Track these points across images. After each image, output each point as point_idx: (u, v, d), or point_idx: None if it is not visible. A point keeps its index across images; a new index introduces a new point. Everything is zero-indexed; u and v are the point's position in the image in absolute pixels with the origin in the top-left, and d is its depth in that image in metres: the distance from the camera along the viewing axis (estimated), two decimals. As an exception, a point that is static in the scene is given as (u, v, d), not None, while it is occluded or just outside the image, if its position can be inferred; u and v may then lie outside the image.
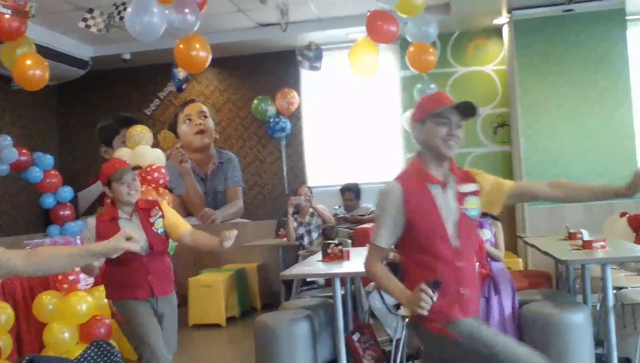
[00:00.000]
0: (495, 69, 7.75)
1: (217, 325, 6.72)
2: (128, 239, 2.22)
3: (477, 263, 4.12)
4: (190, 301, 6.84)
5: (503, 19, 7.29)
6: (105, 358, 0.74)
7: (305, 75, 7.92)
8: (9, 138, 6.36)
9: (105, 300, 5.05)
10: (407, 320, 4.02)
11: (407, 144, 7.83)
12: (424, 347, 2.49)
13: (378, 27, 5.61)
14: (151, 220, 3.66)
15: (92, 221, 3.62)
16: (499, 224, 4.48)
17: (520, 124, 7.02)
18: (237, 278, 7.22)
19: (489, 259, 4.28)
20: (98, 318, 4.94)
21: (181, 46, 5.10)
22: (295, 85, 8.07)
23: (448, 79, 7.79)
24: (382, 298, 4.41)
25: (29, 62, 5.17)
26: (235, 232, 3.38)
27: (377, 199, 2.44)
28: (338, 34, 7.53)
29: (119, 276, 3.56)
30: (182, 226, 3.81)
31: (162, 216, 3.70)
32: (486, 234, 4.35)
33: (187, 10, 4.84)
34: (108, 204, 3.69)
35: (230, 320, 6.90)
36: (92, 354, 0.72)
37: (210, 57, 5.23)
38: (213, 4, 5.13)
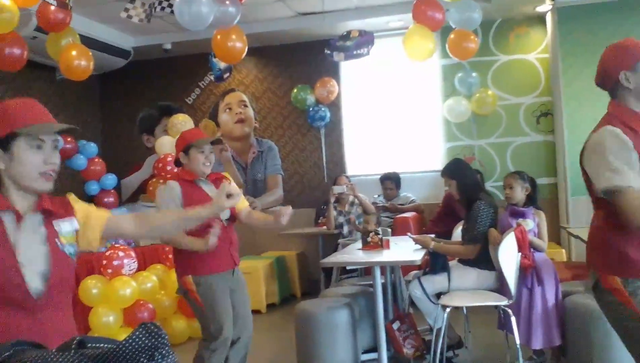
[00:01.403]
0: (538, 57, 7.62)
1: (258, 312, 6.78)
2: (228, 196, 2.20)
3: (520, 254, 4.10)
4: (230, 288, 6.92)
5: (546, 6, 7.15)
6: (153, 340, 0.76)
7: (345, 63, 7.88)
8: (55, 127, 6.49)
9: (150, 285, 5.17)
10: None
11: (448, 133, 7.77)
12: None
13: (424, 14, 5.55)
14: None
15: (175, 185, 3.58)
16: (543, 214, 4.42)
17: (563, 113, 6.90)
18: (277, 266, 7.27)
19: (532, 249, 4.23)
20: (141, 302, 5.05)
21: (218, 36, 5.14)
22: (334, 74, 8.06)
23: (490, 68, 7.68)
24: (422, 287, 4.40)
25: (74, 52, 5.28)
26: (290, 209, 3.34)
27: None
28: (377, 22, 7.48)
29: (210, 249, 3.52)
30: (242, 202, 3.82)
31: None
32: (529, 224, 4.30)
33: (227, 2, 4.87)
34: (178, 172, 3.70)
35: (270, 306, 6.97)
36: (140, 335, 0.74)
37: (246, 47, 5.25)
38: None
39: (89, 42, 5.96)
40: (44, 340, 1.69)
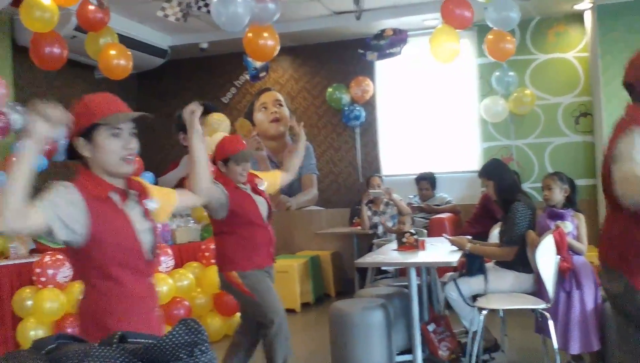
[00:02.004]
0: (577, 56, 7.49)
1: (292, 311, 6.80)
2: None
3: (559, 257, 4.02)
4: (264, 287, 6.94)
5: (585, 4, 7.02)
6: (193, 336, 0.77)
7: (380, 62, 7.85)
8: (94, 125, 6.59)
9: (186, 282, 5.22)
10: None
11: (484, 133, 7.68)
12: None
13: (452, 12, 5.51)
14: (261, 188, 3.90)
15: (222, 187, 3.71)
16: (582, 216, 4.34)
17: (603, 113, 6.77)
18: (312, 265, 7.28)
19: (570, 252, 4.16)
20: (178, 300, 5.10)
21: (250, 34, 5.15)
22: (370, 73, 8.03)
23: (528, 67, 7.58)
24: (458, 289, 4.35)
25: (113, 52, 5.35)
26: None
27: None
28: (413, 21, 7.43)
29: (247, 246, 3.75)
30: (273, 176, 4.13)
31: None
32: (568, 226, 4.22)
33: None
34: (220, 175, 3.79)
35: (304, 305, 6.97)
36: (180, 331, 0.75)
37: (278, 46, 5.25)
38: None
39: (126, 41, 6.04)
40: (150, 300, 2.24)
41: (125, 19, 7.06)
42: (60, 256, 4.82)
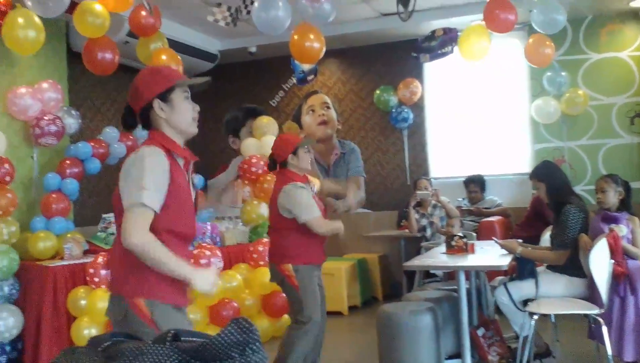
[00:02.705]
0: (631, 55, 7.29)
1: (339, 313, 6.80)
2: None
3: (612, 261, 3.92)
4: (312, 289, 6.96)
5: (640, 1, 6.84)
6: (245, 335, 0.77)
7: (429, 64, 7.78)
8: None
9: (235, 284, 5.27)
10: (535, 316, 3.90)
11: (536, 134, 7.55)
12: None
13: (495, 15, 5.43)
14: (314, 189, 4.19)
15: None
16: (637, 220, 4.22)
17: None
18: (359, 268, 7.27)
19: (625, 256, 4.05)
20: (226, 301, 5.15)
21: (295, 37, 5.17)
22: (418, 74, 7.98)
23: (580, 66, 7.42)
24: (508, 293, 4.28)
25: (164, 57, 5.43)
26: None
27: None
28: (461, 22, 7.33)
29: (305, 242, 3.94)
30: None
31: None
32: (622, 230, 4.12)
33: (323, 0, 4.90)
34: (289, 176, 3.97)
35: (352, 308, 6.96)
36: (232, 330, 0.76)
37: (324, 48, 5.26)
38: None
39: (177, 46, 6.14)
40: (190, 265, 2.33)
41: (176, 24, 7.18)
42: (113, 257, 4.92)
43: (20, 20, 4.60)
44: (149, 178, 2.19)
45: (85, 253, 5.60)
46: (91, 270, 4.83)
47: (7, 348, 4.56)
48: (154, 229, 2.21)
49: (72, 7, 4.92)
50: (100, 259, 4.88)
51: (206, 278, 2.29)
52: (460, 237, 4.61)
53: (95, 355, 0.87)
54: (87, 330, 4.71)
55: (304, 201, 3.89)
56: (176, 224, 2.30)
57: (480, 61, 5.95)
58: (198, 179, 7.31)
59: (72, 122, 5.96)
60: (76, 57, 6.42)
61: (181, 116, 2.36)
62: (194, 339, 0.90)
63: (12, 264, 4.56)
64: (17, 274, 5.05)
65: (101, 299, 4.72)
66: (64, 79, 6.37)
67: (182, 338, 0.90)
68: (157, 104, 2.33)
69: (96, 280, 4.78)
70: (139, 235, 2.15)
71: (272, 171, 4.30)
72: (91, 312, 4.74)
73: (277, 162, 4.08)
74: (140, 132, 6.58)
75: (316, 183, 4.34)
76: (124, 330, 2.14)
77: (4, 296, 4.45)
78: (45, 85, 5.57)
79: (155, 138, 2.35)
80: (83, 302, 4.79)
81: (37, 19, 4.65)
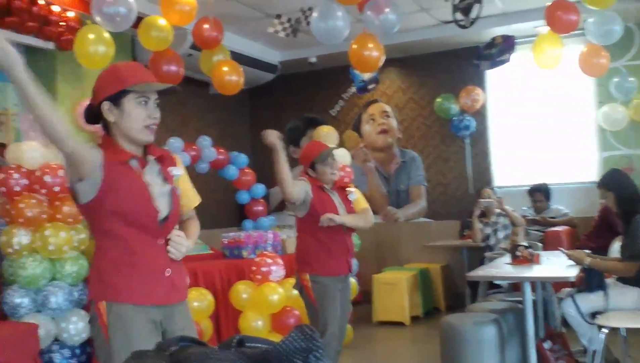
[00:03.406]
0: None
1: (401, 324, 6.74)
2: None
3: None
4: (374, 298, 6.94)
5: None
6: (308, 343, 0.78)
7: (491, 71, 7.66)
8: (208, 139, 6.86)
9: (296, 292, 5.28)
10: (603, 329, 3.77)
11: (603, 142, 7.32)
12: None
13: (557, 17, 5.30)
14: (350, 197, 3.98)
15: (308, 184, 3.83)
16: None
17: None
18: (421, 278, 7.19)
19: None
20: (288, 309, 5.17)
21: (355, 46, 5.17)
22: (479, 82, 7.87)
23: (650, 71, 7.15)
24: (576, 305, 4.15)
25: (225, 68, 5.53)
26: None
27: None
28: (524, 28, 7.21)
29: (323, 250, 3.81)
30: (365, 208, 4.07)
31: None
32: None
33: (387, 10, 4.90)
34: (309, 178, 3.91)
35: (414, 319, 6.89)
36: (296, 337, 0.76)
37: (383, 56, 5.24)
38: (396, 4, 5.15)
39: (238, 58, 6.24)
40: (159, 260, 2.29)
41: (238, 37, 7.31)
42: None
43: (91, 36, 4.77)
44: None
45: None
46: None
47: (77, 351, 4.70)
48: (110, 223, 2.23)
49: (138, 21, 5.06)
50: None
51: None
52: (526, 247, 4.51)
53: (162, 359, 0.89)
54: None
55: (294, 185, 3.77)
56: (128, 218, 2.24)
57: (554, 68, 5.81)
58: (260, 188, 7.40)
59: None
60: (142, 70, 6.61)
61: (130, 122, 2.23)
62: (259, 345, 0.91)
63: (81, 270, 4.70)
64: (86, 280, 5.22)
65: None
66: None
67: (246, 344, 0.91)
68: (105, 106, 2.24)
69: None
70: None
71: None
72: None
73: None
74: (202, 142, 6.73)
75: (357, 191, 4.18)
76: (91, 335, 2.25)
77: (74, 301, 4.59)
78: (112, 97, 5.75)
79: (102, 143, 2.31)
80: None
81: (106, 34, 4.80)
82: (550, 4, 5.36)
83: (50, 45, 5.62)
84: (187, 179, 2.55)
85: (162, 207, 2.29)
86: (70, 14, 5.63)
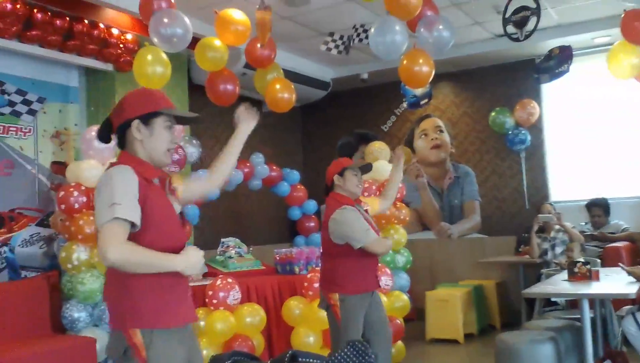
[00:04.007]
0: None
1: (455, 341, 6.64)
2: None
3: None
4: (427, 315, 6.86)
5: None
6: (360, 358, 0.78)
7: (547, 84, 7.52)
8: (261, 156, 6.94)
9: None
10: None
11: (665, 155, 7.09)
12: None
13: (634, 27, 5.15)
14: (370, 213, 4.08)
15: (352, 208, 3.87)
16: None
17: None
18: (475, 295, 7.08)
19: None
20: (340, 326, 5.16)
21: (405, 62, 5.16)
22: (535, 95, 7.73)
23: None
24: (637, 323, 4.02)
25: (278, 86, 5.60)
26: None
27: None
28: (581, 40, 7.07)
29: (355, 270, 3.83)
30: (371, 202, 4.29)
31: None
32: None
33: (441, 27, 4.89)
34: (334, 197, 3.96)
35: (468, 336, 6.78)
36: (349, 353, 0.77)
37: (433, 71, 5.21)
38: (448, 19, 5.12)
39: (291, 75, 6.31)
40: (186, 282, 2.38)
41: (290, 55, 7.40)
42: (230, 280, 5.09)
43: (149, 57, 4.91)
44: (119, 193, 2.14)
45: (205, 275, 5.82)
46: (210, 292, 5.00)
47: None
48: (140, 236, 2.20)
49: (194, 42, 5.18)
50: (218, 281, 5.05)
51: (191, 260, 2.25)
52: (583, 263, 4.40)
53: (216, 373, 0.91)
54: (206, 350, 4.87)
55: (357, 226, 3.77)
56: (160, 242, 2.22)
57: (628, 78, 5.64)
58: (311, 204, 7.44)
59: (193, 151, 6.24)
60: (197, 89, 6.76)
61: (157, 142, 2.33)
62: (311, 360, 0.92)
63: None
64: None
65: (219, 320, 4.88)
66: (186, 110, 6.71)
67: (299, 359, 0.92)
68: (135, 123, 2.30)
69: (214, 301, 4.94)
70: (116, 249, 2.08)
71: (325, 196, 4.21)
72: (210, 333, 4.90)
73: (327, 186, 4.09)
74: (256, 159, 6.81)
75: (370, 205, 4.21)
76: None
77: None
78: (169, 116, 5.89)
79: (124, 159, 2.33)
80: (202, 323, 4.96)
81: (164, 55, 4.94)
82: (625, 13, 5.21)
83: (109, 66, 5.82)
84: None
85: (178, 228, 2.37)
86: (129, 36, 5.81)
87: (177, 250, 2.26)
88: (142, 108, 2.32)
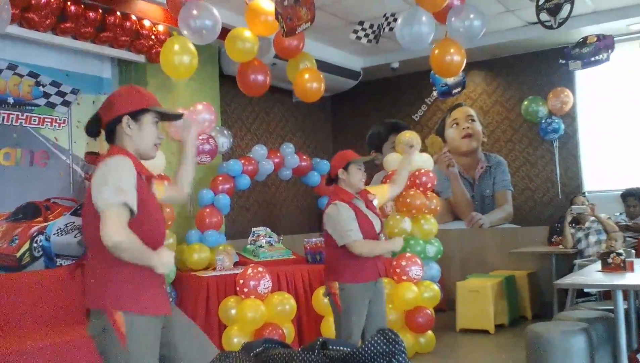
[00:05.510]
0: None
1: (485, 332, 6.61)
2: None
3: None
4: (458, 305, 6.83)
5: None
6: (391, 346, 0.79)
7: (580, 72, 7.40)
8: (292, 146, 6.96)
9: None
10: None
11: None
12: None
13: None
14: (374, 203, 4.07)
15: (346, 206, 3.86)
16: None
17: None
18: (507, 285, 7.02)
19: None
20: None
21: (436, 51, 5.13)
22: (569, 83, 7.61)
23: None
24: (673, 315, 3.96)
25: (307, 76, 5.61)
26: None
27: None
28: (616, 26, 6.93)
29: (355, 260, 3.83)
30: (381, 189, 4.33)
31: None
32: None
33: (472, 16, 4.85)
34: (336, 192, 3.97)
35: (498, 327, 6.74)
36: (379, 341, 0.78)
37: (464, 61, 5.16)
38: (480, 7, 5.06)
39: (321, 65, 6.30)
40: (162, 275, 2.48)
41: (321, 45, 7.39)
42: (261, 269, 5.13)
43: (176, 47, 4.94)
44: (125, 180, 2.30)
45: (236, 264, 5.88)
46: (241, 281, 5.05)
47: None
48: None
49: (224, 33, 5.21)
50: (249, 270, 5.09)
51: (164, 260, 2.38)
52: (618, 254, 4.34)
53: (247, 359, 0.92)
54: (236, 338, 4.92)
55: (340, 225, 3.80)
56: (149, 235, 2.38)
57: None
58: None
59: (224, 141, 6.28)
60: (228, 80, 6.79)
61: (145, 138, 2.47)
62: (342, 348, 0.93)
63: (170, 274, 4.88)
64: (174, 283, 5.43)
65: (250, 309, 4.93)
66: (217, 101, 6.76)
67: (330, 347, 0.93)
68: (125, 120, 2.45)
69: (245, 290, 4.99)
70: (122, 233, 2.23)
71: (327, 184, 4.22)
72: (241, 321, 4.96)
73: (330, 177, 4.09)
74: (286, 149, 6.83)
75: (380, 193, 4.20)
76: (100, 347, 2.27)
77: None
78: (200, 107, 5.93)
79: (118, 152, 2.44)
80: (233, 311, 5.02)
81: (191, 46, 4.97)
82: None
83: (141, 58, 5.88)
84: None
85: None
86: (160, 27, 5.86)
87: (159, 244, 2.46)
88: (132, 105, 2.47)
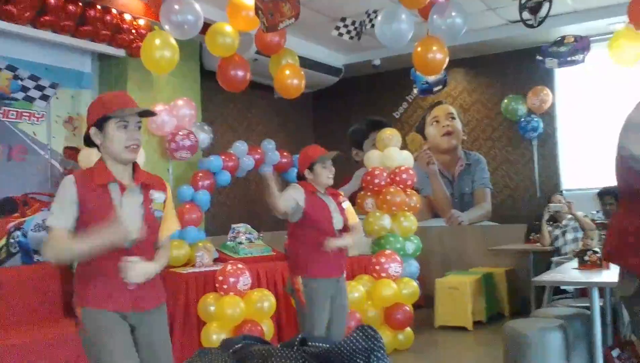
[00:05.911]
0: None
1: (464, 328, 6.65)
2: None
3: None
4: (436, 302, 6.87)
5: None
6: (370, 342, 0.79)
7: (561, 71, 7.47)
8: (272, 142, 6.95)
9: (357, 295, 5.28)
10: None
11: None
12: None
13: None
14: (343, 204, 4.05)
15: (301, 191, 3.88)
16: None
17: None
18: (485, 282, 7.08)
19: None
20: (349, 312, 5.18)
21: (419, 49, 5.14)
22: (548, 82, 7.69)
23: None
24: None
25: (287, 72, 5.60)
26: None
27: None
28: (596, 26, 7.01)
29: (315, 253, 3.83)
30: (353, 218, 4.13)
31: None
32: None
33: (454, 14, 4.87)
34: (302, 184, 3.96)
35: (477, 324, 6.79)
36: (358, 337, 0.78)
37: (447, 59, 5.19)
38: (462, 5, 5.10)
39: (303, 61, 6.30)
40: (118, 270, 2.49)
41: (302, 41, 7.38)
42: (240, 266, 5.12)
43: (157, 41, 4.91)
44: (55, 204, 2.50)
45: (215, 261, 5.86)
46: (220, 278, 5.04)
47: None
48: (80, 230, 2.48)
49: (206, 28, 5.18)
50: (229, 267, 5.08)
51: (108, 232, 2.43)
52: (594, 252, 4.39)
53: (227, 356, 0.92)
54: (215, 335, 4.92)
55: (285, 195, 3.82)
56: (89, 224, 2.48)
57: (632, 66, 5.61)
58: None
59: (204, 137, 6.26)
60: (209, 75, 6.76)
61: (113, 144, 2.53)
62: (320, 344, 0.93)
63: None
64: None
65: (229, 305, 4.92)
66: (198, 96, 6.72)
67: (309, 343, 0.93)
68: (92, 131, 2.57)
69: (225, 287, 4.98)
70: (47, 252, 2.50)
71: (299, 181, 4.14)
72: (220, 318, 4.94)
73: (299, 175, 4.06)
74: (267, 145, 6.81)
75: (350, 215, 4.11)
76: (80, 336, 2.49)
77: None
78: (180, 102, 5.90)
79: (94, 166, 2.61)
80: (212, 308, 5.00)
81: (172, 40, 4.94)
82: (632, 1, 5.18)
83: (121, 52, 5.83)
84: (171, 206, 2.76)
85: (132, 228, 2.49)
86: (141, 22, 5.81)
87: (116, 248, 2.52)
88: (95, 115, 2.56)
